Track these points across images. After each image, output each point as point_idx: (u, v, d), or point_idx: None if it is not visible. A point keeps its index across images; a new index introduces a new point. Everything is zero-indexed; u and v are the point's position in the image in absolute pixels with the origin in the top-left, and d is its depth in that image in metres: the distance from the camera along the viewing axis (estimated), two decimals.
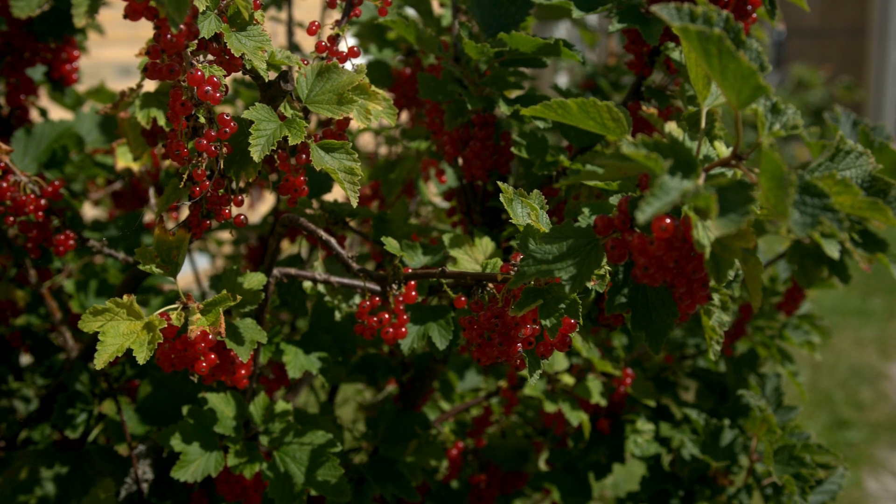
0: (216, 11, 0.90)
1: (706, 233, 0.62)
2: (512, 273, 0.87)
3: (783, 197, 0.56)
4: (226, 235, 2.58)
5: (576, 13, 1.01)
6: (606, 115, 0.68)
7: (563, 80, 5.81)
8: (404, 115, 1.85)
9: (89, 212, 2.53)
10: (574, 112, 0.69)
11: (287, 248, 1.81)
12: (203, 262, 2.75)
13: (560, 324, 0.79)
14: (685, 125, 0.75)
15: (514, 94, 1.25)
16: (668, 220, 0.64)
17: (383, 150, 1.96)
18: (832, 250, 0.61)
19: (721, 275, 0.64)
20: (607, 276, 0.81)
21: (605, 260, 0.75)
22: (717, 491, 1.38)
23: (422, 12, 1.31)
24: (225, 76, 0.91)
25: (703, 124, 0.68)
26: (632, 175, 0.68)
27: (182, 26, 0.78)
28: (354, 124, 1.00)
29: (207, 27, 0.87)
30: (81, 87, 1.68)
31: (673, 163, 0.59)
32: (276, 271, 1.17)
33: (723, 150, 0.72)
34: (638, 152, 0.59)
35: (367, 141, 2.16)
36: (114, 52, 3.32)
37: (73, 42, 1.35)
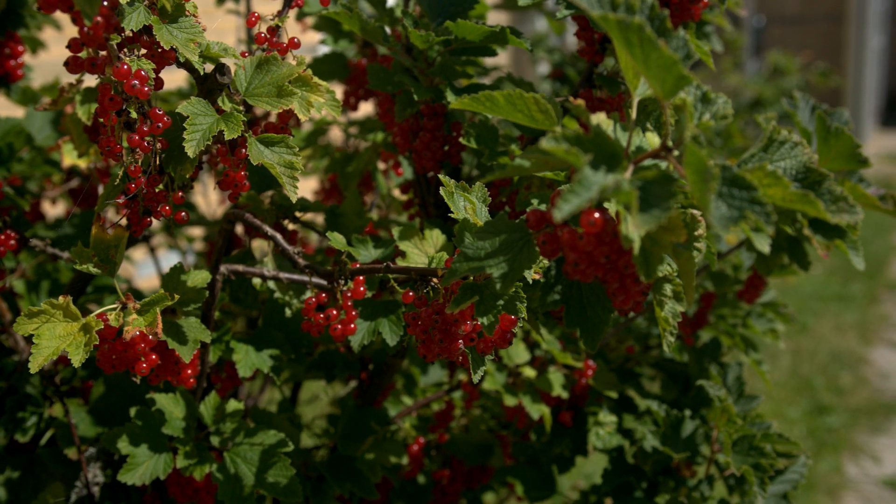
0: (146, 3, 0.87)
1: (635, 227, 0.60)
2: None
3: (705, 190, 0.54)
4: (196, 232, 2.54)
5: (521, 1, 0.98)
6: (534, 108, 0.66)
7: (543, 69, 5.77)
8: (367, 107, 1.81)
9: (52, 210, 2.48)
10: (501, 105, 0.66)
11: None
12: (174, 261, 2.71)
13: (497, 321, 0.76)
14: (625, 113, 0.73)
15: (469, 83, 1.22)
16: (597, 215, 0.62)
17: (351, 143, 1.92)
18: (762, 245, 0.59)
19: (650, 270, 0.62)
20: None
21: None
22: (680, 482, 1.37)
23: (374, 2, 1.28)
24: (155, 70, 0.88)
25: (633, 115, 0.66)
26: (562, 168, 0.66)
27: (99, 19, 0.75)
28: (325, 114, 0.97)
29: (135, 19, 0.84)
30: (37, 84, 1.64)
31: (594, 156, 0.57)
32: (223, 268, 1.14)
33: (655, 141, 0.70)
34: (557, 146, 0.56)
35: (336, 134, 2.13)
36: None
37: (17, 38, 1.31)
